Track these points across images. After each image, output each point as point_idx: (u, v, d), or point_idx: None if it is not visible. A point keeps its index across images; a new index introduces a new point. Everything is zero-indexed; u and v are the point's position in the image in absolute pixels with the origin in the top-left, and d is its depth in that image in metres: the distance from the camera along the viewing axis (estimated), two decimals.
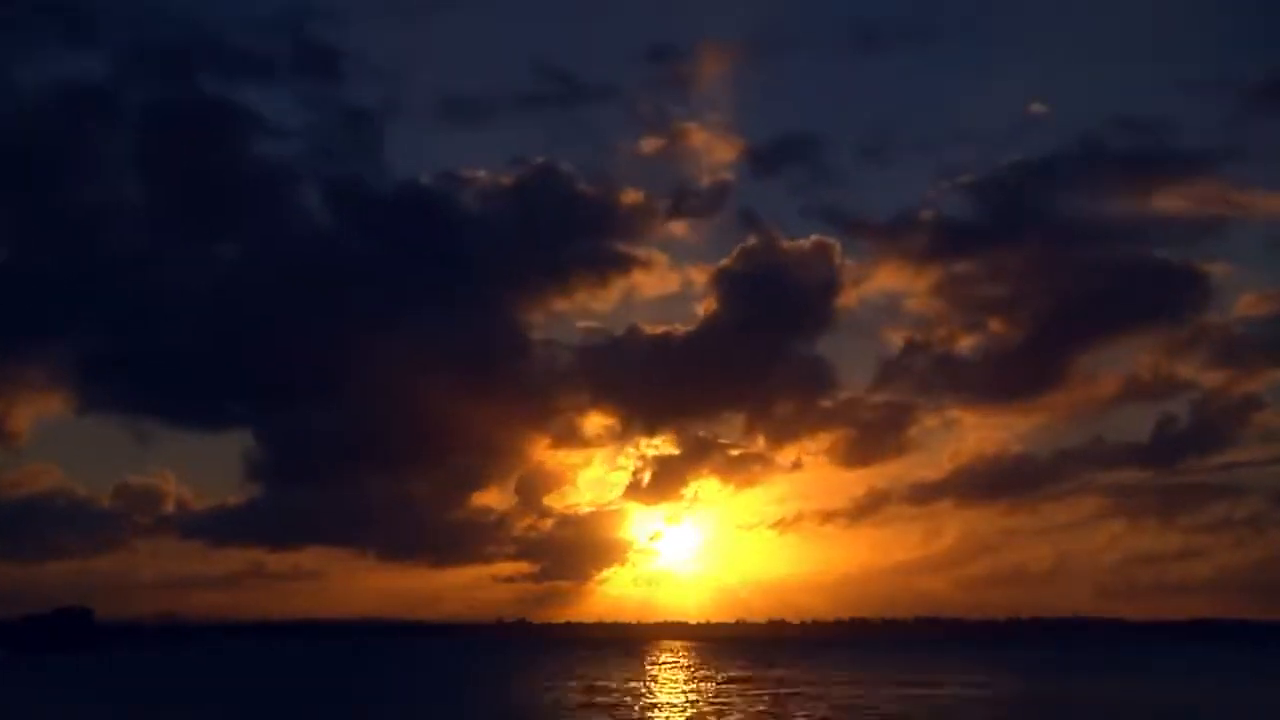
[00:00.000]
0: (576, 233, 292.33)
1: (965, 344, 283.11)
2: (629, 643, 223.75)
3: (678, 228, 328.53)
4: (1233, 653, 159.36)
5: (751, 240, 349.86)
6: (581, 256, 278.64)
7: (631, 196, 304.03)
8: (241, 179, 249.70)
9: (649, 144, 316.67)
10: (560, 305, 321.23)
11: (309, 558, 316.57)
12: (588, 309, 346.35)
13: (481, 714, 59.38)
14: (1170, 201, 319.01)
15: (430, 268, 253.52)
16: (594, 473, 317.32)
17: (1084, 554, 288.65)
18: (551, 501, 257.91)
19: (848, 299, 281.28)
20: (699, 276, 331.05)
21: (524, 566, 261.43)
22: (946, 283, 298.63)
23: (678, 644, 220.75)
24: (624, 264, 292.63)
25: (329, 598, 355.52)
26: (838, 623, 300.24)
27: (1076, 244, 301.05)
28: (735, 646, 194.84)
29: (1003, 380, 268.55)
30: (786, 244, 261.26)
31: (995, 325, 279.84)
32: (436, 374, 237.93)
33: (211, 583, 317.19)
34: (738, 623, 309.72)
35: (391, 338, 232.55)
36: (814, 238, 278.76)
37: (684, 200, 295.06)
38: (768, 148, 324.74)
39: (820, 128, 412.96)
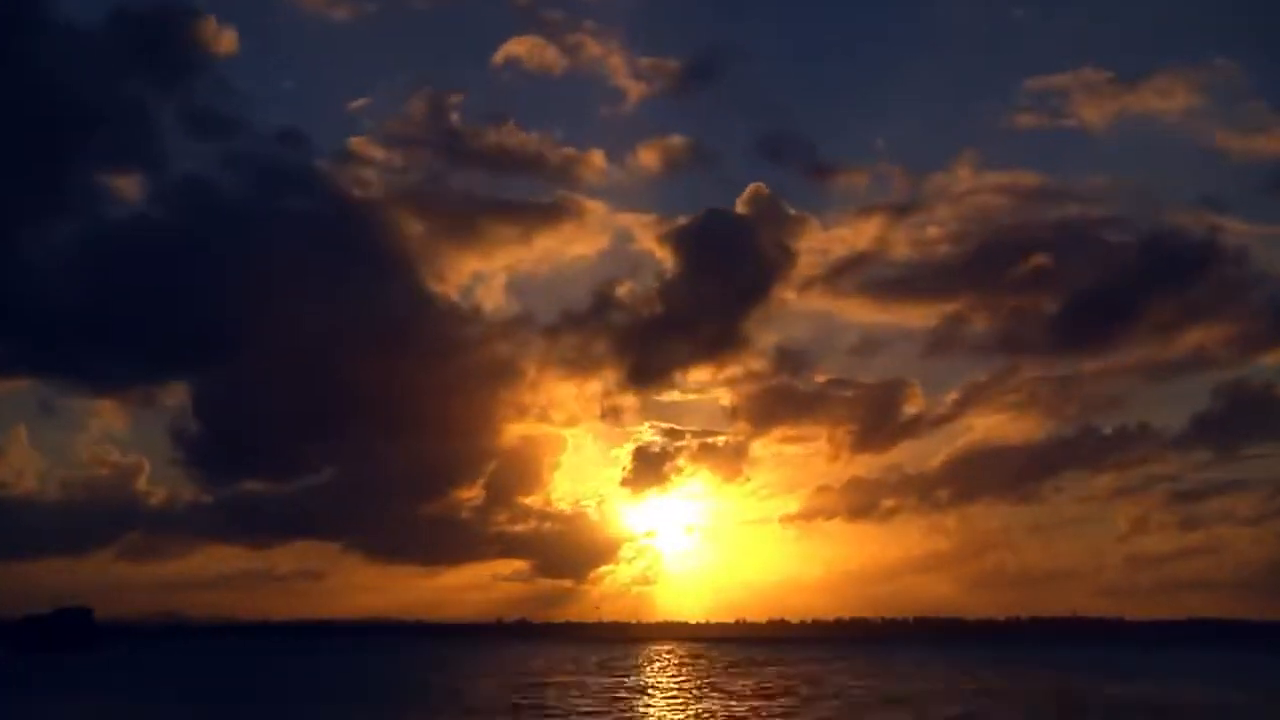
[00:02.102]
0: (491, 182, 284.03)
1: (953, 319, 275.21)
2: (630, 643, 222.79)
3: (597, 166, 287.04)
4: (1236, 656, 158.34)
5: (698, 205, 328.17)
6: (500, 208, 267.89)
7: (538, 137, 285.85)
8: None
9: (536, 53, 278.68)
10: (483, 266, 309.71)
11: (295, 555, 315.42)
12: (519, 270, 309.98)
13: (472, 712, 59.02)
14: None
15: (324, 236, 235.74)
16: (580, 466, 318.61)
17: (1088, 550, 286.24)
18: (535, 499, 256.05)
19: (813, 262, 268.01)
20: (636, 226, 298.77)
21: (519, 565, 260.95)
22: (922, 242, 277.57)
23: (679, 645, 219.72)
24: (550, 215, 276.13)
25: (328, 598, 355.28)
26: (838, 622, 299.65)
27: (1081, 200, 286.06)
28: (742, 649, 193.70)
29: (1000, 363, 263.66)
30: (739, 205, 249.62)
31: (992, 301, 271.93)
32: (357, 351, 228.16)
33: (205, 583, 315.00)
34: (738, 622, 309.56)
35: (297, 304, 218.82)
36: (767, 190, 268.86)
37: (599, 138, 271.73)
38: (689, 67, 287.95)
39: (752, 38, 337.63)
